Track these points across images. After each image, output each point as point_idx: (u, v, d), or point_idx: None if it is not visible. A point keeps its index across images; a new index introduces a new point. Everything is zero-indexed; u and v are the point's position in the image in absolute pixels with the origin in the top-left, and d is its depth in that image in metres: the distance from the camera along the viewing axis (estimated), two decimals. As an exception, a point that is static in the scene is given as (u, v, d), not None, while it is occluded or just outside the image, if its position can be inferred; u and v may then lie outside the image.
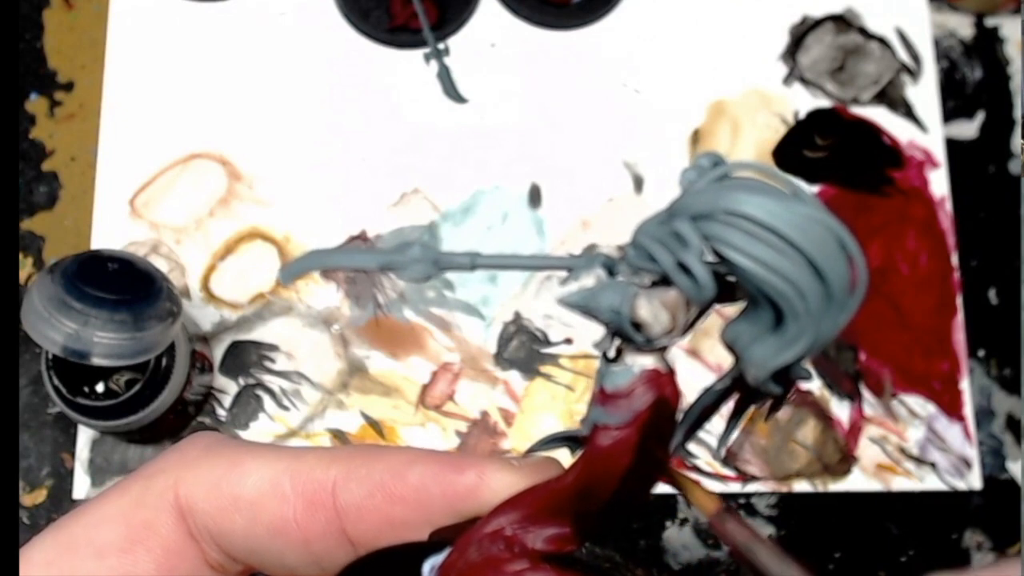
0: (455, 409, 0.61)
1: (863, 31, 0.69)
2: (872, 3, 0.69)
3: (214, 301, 0.62)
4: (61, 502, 0.59)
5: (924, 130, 0.68)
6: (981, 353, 0.65)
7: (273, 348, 0.61)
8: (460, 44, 0.67)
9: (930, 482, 0.63)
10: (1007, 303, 0.66)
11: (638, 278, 0.20)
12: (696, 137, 0.67)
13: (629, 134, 0.66)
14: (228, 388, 0.61)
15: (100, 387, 0.55)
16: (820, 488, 0.62)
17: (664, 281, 0.20)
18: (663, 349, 0.21)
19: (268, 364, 0.61)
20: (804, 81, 0.68)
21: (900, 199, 0.67)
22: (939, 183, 0.67)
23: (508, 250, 0.64)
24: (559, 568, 0.23)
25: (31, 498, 0.59)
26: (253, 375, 0.61)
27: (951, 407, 0.64)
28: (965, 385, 0.64)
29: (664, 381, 0.22)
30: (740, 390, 0.23)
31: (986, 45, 0.70)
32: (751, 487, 0.62)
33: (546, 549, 0.24)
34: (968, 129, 0.69)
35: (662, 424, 0.22)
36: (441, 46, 0.66)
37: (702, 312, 0.21)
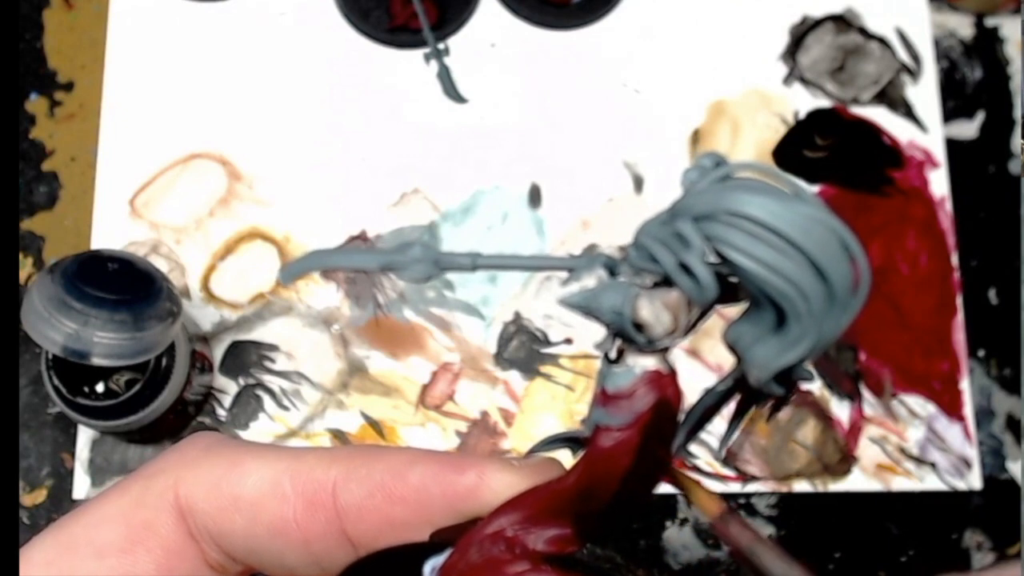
0: (455, 409, 0.61)
1: (863, 31, 0.69)
2: (872, 3, 0.69)
3: (214, 301, 0.62)
4: (61, 502, 0.59)
5: (924, 130, 0.68)
6: (981, 353, 0.65)
7: (273, 348, 0.61)
8: (460, 44, 0.67)
9: (930, 482, 0.63)
10: (1007, 303, 0.66)
11: (640, 279, 0.20)
12: (696, 137, 0.67)
13: (629, 134, 0.66)
14: (228, 388, 0.61)
15: (100, 387, 0.55)
16: (820, 488, 0.62)
17: (666, 282, 0.20)
18: (665, 350, 0.21)
19: (268, 364, 0.61)
20: (804, 81, 0.68)
21: (900, 199, 0.67)
22: (939, 183, 0.67)
23: (508, 250, 0.64)
24: (560, 569, 0.23)
25: (31, 498, 0.59)
26: (253, 375, 0.61)
27: (951, 407, 0.64)
28: (965, 385, 0.64)
29: (666, 382, 0.22)
30: (742, 391, 0.23)
31: (986, 45, 0.70)
32: (751, 487, 0.62)
33: (547, 550, 0.23)
34: (968, 129, 0.69)
35: (664, 425, 0.22)
36: (441, 46, 0.66)
37: (704, 313, 0.21)
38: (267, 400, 0.61)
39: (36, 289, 0.48)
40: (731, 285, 0.20)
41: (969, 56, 0.70)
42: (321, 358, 0.62)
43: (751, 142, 0.67)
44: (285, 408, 0.61)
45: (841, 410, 0.63)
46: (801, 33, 0.69)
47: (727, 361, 0.66)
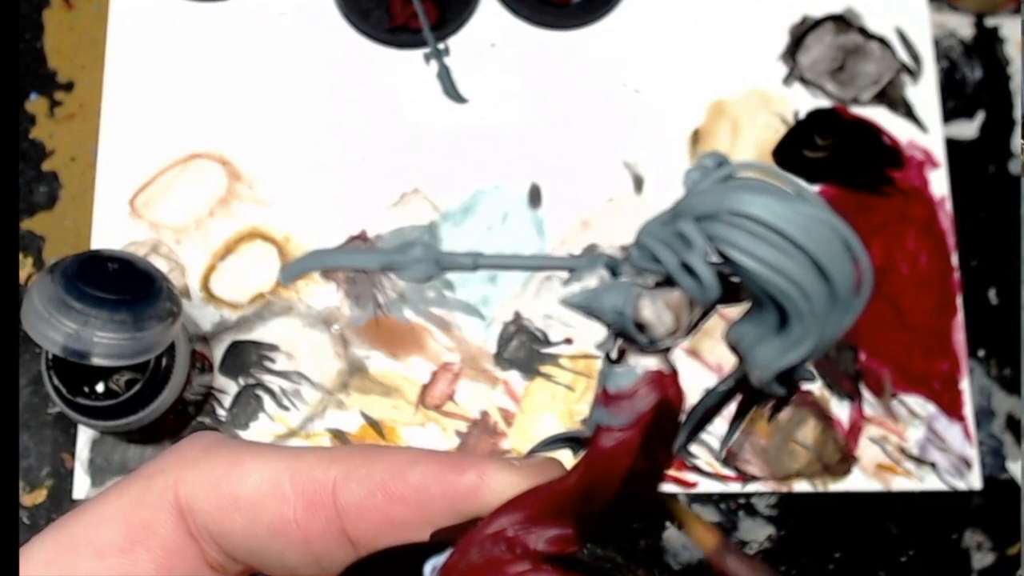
0: (455, 409, 0.61)
1: (863, 31, 0.69)
2: (872, 3, 0.69)
3: (214, 301, 0.62)
4: (61, 502, 0.59)
5: (924, 130, 0.68)
6: (981, 353, 0.65)
7: (273, 348, 0.61)
8: (460, 44, 0.67)
9: (930, 482, 0.63)
10: (1007, 303, 0.66)
11: (641, 279, 0.20)
12: (696, 137, 0.67)
13: (629, 134, 0.66)
14: (228, 388, 0.61)
15: (100, 387, 0.55)
16: (820, 488, 0.62)
17: (668, 282, 0.20)
18: (666, 350, 0.21)
19: (268, 364, 0.61)
20: (804, 81, 0.68)
21: (900, 199, 0.67)
22: (939, 183, 0.67)
23: (508, 250, 0.64)
24: (561, 569, 0.23)
25: (31, 498, 0.59)
26: (253, 375, 0.61)
27: (951, 407, 0.64)
28: (965, 385, 0.64)
29: (667, 382, 0.22)
30: (743, 391, 0.23)
31: (986, 45, 0.70)
32: (751, 487, 0.62)
33: (548, 550, 0.23)
34: (968, 129, 0.69)
35: (665, 425, 0.22)
36: (441, 46, 0.66)
37: (706, 313, 0.21)
38: (267, 400, 0.61)
39: (36, 289, 0.48)
40: (733, 285, 0.20)
41: (969, 56, 0.70)
42: (321, 358, 0.61)
43: (751, 142, 0.67)
44: (285, 408, 0.61)
45: (841, 410, 0.63)
46: (801, 33, 0.69)
47: (728, 361, 0.66)
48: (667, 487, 0.61)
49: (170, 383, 0.54)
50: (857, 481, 0.62)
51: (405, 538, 0.25)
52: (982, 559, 0.62)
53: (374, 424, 0.61)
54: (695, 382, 0.58)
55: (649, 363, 0.21)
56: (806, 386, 0.62)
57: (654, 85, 0.67)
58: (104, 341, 0.48)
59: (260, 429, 0.60)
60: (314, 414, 0.61)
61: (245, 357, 0.61)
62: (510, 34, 0.67)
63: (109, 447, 0.59)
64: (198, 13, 0.66)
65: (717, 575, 0.23)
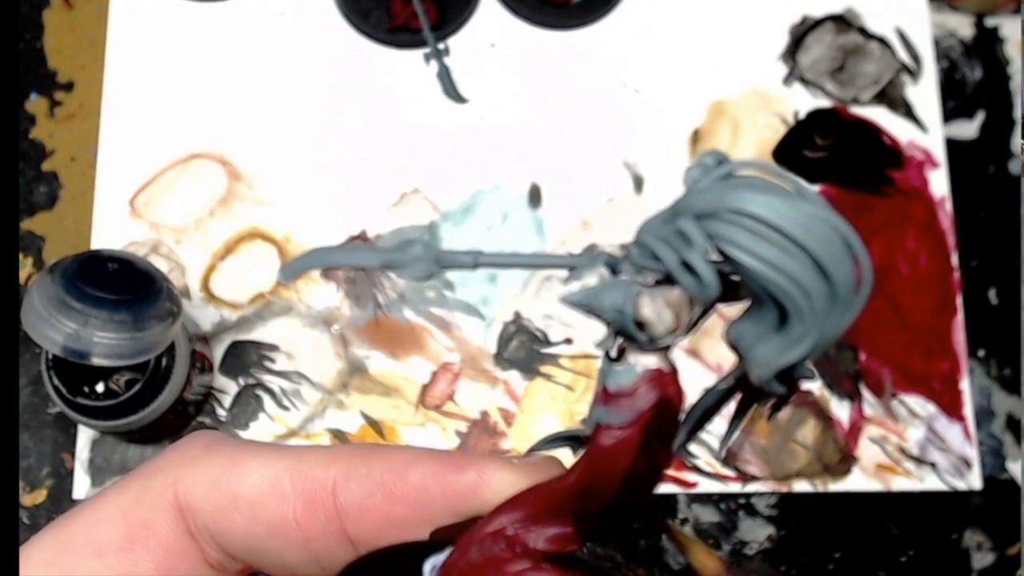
0: (455, 409, 0.61)
1: (863, 31, 0.69)
2: (872, 3, 0.69)
3: (214, 301, 0.62)
4: (61, 502, 0.59)
5: (924, 130, 0.68)
6: (981, 353, 0.65)
7: (273, 348, 0.61)
8: (460, 44, 0.67)
9: (930, 482, 0.63)
10: (1007, 303, 0.66)
11: (641, 277, 0.20)
12: (696, 137, 0.67)
13: (629, 134, 0.66)
14: (228, 388, 0.61)
15: (100, 387, 0.55)
16: (820, 488, 0.62)
17: (668, 280, 0.20)
18: (666, 348, 0.21)
19: (268, 364, 0.61)
20: (804, 81, 0.68)
21: (900, 199, 0.67)
22: (939, 183, 0.67)
23: (508, 250, 0.64)
24: (561, 568, 0.23)
25: (31, 498, 0.59)
26: (253, 375, 0.61)
27: (951, 407, 0.64)
28: (965, 385, 0.64)
29: (667, 380, 0.21)
30: (743, 390, 0.23)
31: (986, 45, 0.70)
32: (751, 487, 0.62)
33: (548, 549, 0.23)
34: (968, 129, 0.69)
35: (665, 424, 0.22)
36: (441, 46, 0.66)
37: (706, 311, 0.21)
38: (267, 400, 0.61)
39: (36, 289, 0.48)
40: (733, 283, 0.20)
41: (969, 56, 0.70)
42: (321, 358, 0.61)
43: (751, 142, 0.67)
44: (285, 408, 0.61)
45: (841, 410, 0.63)
46: (801, 33, 0.69)
47: (727, 361, 0.66)
48: (667, 487, 0.61)
49: (170, 383, 0.54)
50: (857, 481, 0.62)
51: (405, 537, 0.25)
52: (982, 559, 0.62)
53: (374, 424, 0.61)
54: (695, 381, 0.58)
55: (649, 361, 0.21)
56: (806, 385, 0.62)
57: (654, 85, 0.67)
58: (104, 341, 0.48)
59: (260, 429, 0.60)
60: (314, 414, 0.61)
61: (245, 357, 0.61)
62: (510, 34, 0.67)
63: (109, 447, 0.59)
64: (198, 13, 0.66)
65: None
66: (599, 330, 0.20)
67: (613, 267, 0.21)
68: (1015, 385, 0.65)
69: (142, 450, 0.59)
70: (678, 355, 0.22)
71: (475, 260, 0.21)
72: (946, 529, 0.63)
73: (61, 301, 0.48)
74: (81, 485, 0.59)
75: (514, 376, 0.62)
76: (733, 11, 0.69)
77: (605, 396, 0.22)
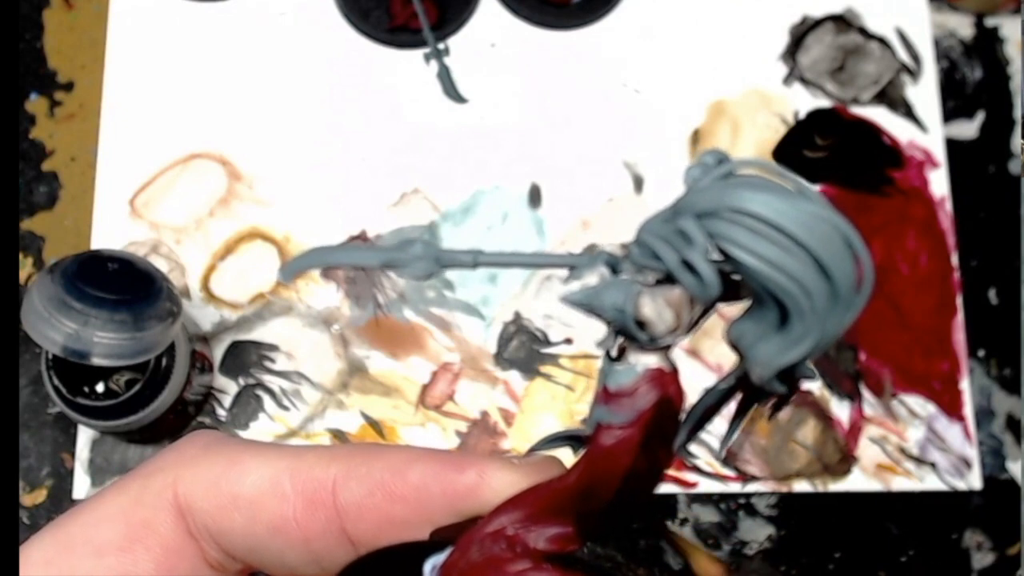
0: (455, 409, 0.61)
1: (863, 31, 0.69)
2: (872, 3, 0.69)
3: (214, 301, 0.62)
4: (61, 502, 0.59)
5: (924, 130, 0.68)
6: (981, 353, 0.65)
7: (273, 348, 0.61)
8: (460, 44, 0.67)
9: (930, 482, 0.63)
10: (1007, 303, 0.66)
11: (642, 276, 0.20)
12: (696, 137, 0.67)
13: (629, 134, 0.66)
14: (228, 388, 0.61)
15: (100, 387, 0.55)
16: (820, 488, 0.62)
17: (668, 279, 0.20)
18: (667, 348, 0.21)
19: (268, 364, 0.61)
20: (804, 81, 0.68)
21: (900, 199, 0.67)
22: (939, 183, 0.67)
23: (508, 250, 0.64)
24: (561, 568, 0.23)
25: (31, 498, 0.59)
26: (253, 375, 0.61)
27: (951, 407, 0.64)
28: (965, 385, 0.64)
29: (668, 380, 0.21)
30: (744, 389, 0.23)
31: (986, 45, 0.70)
32: (751, 487, 0.62)
33: (548, 549, 0.23)
34: (968, 129, 0.69)
35: (666, 423, 0.22)
36: (441, 46, 0.66)
37: (706, 310, 0.21)
38: (267, 400, 0.61)
39: (36, 289, 0.48)
40: (734, 283, 0.20)
41: (969, 56, 0.70)
42: (321, 358, 0.61)
43: (751, 142, 0.67)
44: (285, 408, 0.61)
45: (841, 410, 0.63)
46: (801, 33, 0.69)
47: (727, 360, 0.66)
48: (667, 487, 0.61)
49: (170, 383, 0.54)
50: (857, 481, 0.62)
51: (405, 537, 0.25)
52: (982, 559, 0.62)
53: (374, 424, 0.61)
54: (695, 381, 0.58)
55: (649, 361, 0.21)
56: (806, 385, 0.62)
57: (654, 85, 0.67)
58: (104, 341, 0.48)
59: (260, 429, 0.60)
60: (314, 414, 0.61)
61: (245, 357, 0.61)
62: (510, 34, 0.67)
63: (109, 447, 0.59)
64: (198, 13, 0.66)
65: None
66: (599, 330, 0.20)
67: (613, 266, 0.21)
68: (1015, 385, 0.65)
69: (142, 450, 0.59)
70: (678, 355, 0.22)
71: (475, 259, 0.21)
72: (946, 529, 0.63)
73: (61, 301, 0.48)
74: (81, 485, 0.59)
75: (514, 376, 0.62)
76: (733, 11, 0.69)
77: (605, 396, 0.22)
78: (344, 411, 0.61)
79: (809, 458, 0.62)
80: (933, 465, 0.63)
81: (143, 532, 0.26)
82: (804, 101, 0.68)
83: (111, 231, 0.62)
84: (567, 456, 0.25)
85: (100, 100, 0.64)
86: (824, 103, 0.68)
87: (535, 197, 0.65)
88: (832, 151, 0.67)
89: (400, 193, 0.64)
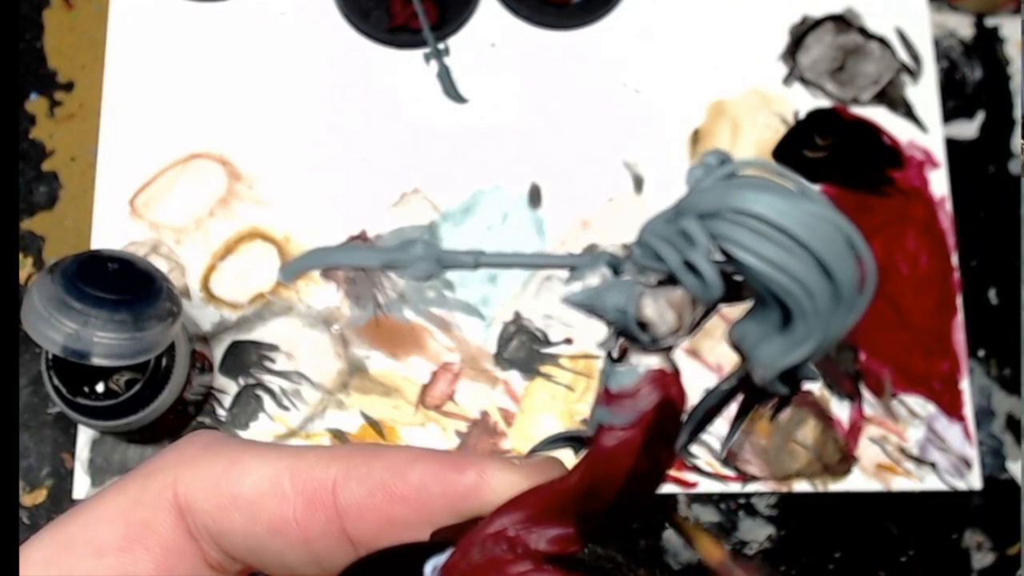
0: (455, 409, 0.61)
1: (863, 31, 0.69)
2: (872, 3, 0.69)
3: (214, 301, 0.62)
4: (61, 502, 0.59)
5: (924, 130, 0.68)
6: (981, 353, 0.65)
7: (273, 348, 0.61)
8: (460, 44, 0.67)
9: (930, 482, 0.63)
10: (1007, 303, 0.66)
11: (644, 277, 0.20)
12: (696, 137, 0.67)
13: (629, 134, 0.66)
14: (228, 388, 0.61)
15: (100, 387, 0.55)
16: (820, 488, 0.62)
17: (670, 280, 0.20)
18: (669, 349, 0.21)
19: (268, 364, 0.61)
20: (804, 81, 0.68)
21: (900, 199, 0.67)
22: (939, 183, 0.67)
23: (508, 250, 0.64)
24: (562, 569, 0.23)
25: (31, 498, 0.59)
26: (253, 375, 0.61)
27: (951, 407, 0.64)
28: (965, 385, 0.64)
29: (670, 381, 0.21)
30: (745, 390, 0.23)
31: (986, 45, 0.70)
32: (751, 487, 0.61)
33: (549, 550, 0.23)
34: (968, 129, 0.69)
35: (667, 425, 0.22)
36: (441, 46, 0.66)
37: (708, 311, 0.21)
38: (267, 400, 0.61)
39: (36, 289, 0.48)
40: (736, 283, 0.20)
41: (969, 56, 0.70)
42: (321, 358, 0.61)
43: (751, 142, 0.67)
44: (285, 408, 0.61)
45: (841, 410, 0.63)
46: (801, 33, 0.69)
47: (728, 362, 0.66)
48: (667, 487, 0.61)
49: (170, 383, 0.54)
50: (857, 481, 0.62)
51: (405, 537, 0.25)
52: (982, 559, 0.62)
53: (374, 424, 0.61)
54: (695, 382, 0.58)
55: (651, 362, 0.21)
56: (808, 385, 0.62)
57: (654, 85, 0.67)
58: (104, 341, 0.48)
59: (260, 429, 0.60)
60: (314, 414, 0.61)
61: (245, 357, 0.61)
62: (510, 34, 0.67)
63: (109, 447, 0.59)
64: (198, 13, 0.66)
65: None
66: (599, 330, 0.20)
67: (615, 267, 0.21)
68: (1015, 385, 0.65)
69: (142, 450, 0.59)
70: (678, 356, 0.22)
71: (476, 260, 0.21)
72: (946, 529, 0.63)
73: (61, 301, 0.48)
74: (81, 485, 0.59)
75: (514, 376, 0.62)
76: (733, 11, 0.69)
77: (607, 397, 0.22)
78: (344, 411, 0.61)
79: (809, 458, 0.62)
80: (933, 465, 0.63)
81: (143, 532, 0.26)
82: (804, 101, 0.68)
83: (111, 231, 0.62)
84: (568, 457, 0.25)
85: (100, 100, 0.64)
86: (824, 103, 0.68)
87: (535, 197, 0.65)
88: (832, 151, 0.67)
89: (400, 193, 0.64)
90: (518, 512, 0.24)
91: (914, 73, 0.69)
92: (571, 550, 0.24)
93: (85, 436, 0.59)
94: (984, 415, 0.64)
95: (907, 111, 0.68)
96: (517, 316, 0.63)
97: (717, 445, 0.61)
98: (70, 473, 0.59)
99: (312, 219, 0.63)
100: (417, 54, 0.66)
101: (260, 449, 0.27)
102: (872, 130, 0.67)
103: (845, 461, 0.62)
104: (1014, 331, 0.65)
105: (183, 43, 0.66)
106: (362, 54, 0.66)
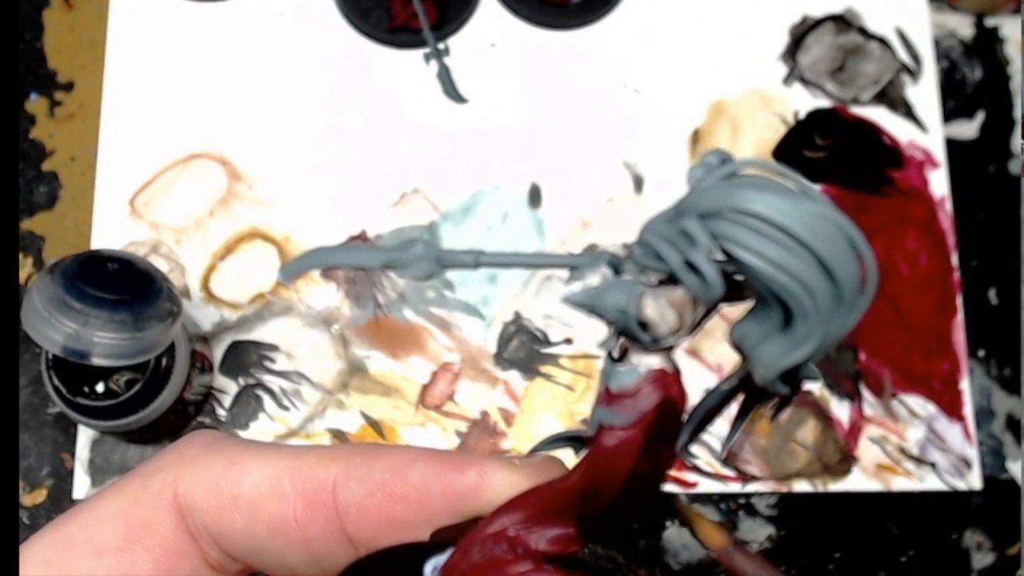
0: (455, 409, 0.61)
1: (863, 31, 0.69)
2: (872, 3, 0.69)
3: (214, 301, 0.62)
4: (61, 502, 0.58)
5: (924, 130, 0.68)
6: (981, 353, 0.65)
7: (273, 348, 0.61)
8: (460, 44, 0.67)
9: (930, 482, 0.63)
10: (1007, 303, 0.66)
11: (644, 277, 0.20)
12: (696, 137, 0.66)
13: (629, 134, 0.66)
14: (228, 388, 0.61)
15: (100, 387, 0.55)
16: (820, 488, 0.62)
17: (671, 280, 0.20)
18: (669, 349, 0.21)
19: (268, 364, 0.61)
20: (804, 81, 0.68)
21: (900, 199, 0.67)
22: (939, 183, 0.67)
23: (508, 250, 0.64)
24: (563, 569, 0.23)
25: (31, 498, 0.58)
26: (253, 375, 0.61)
27: (951, 407, 0.64)
28: (965, 385, 0.64)
29: (670, 381, 0.21)
30: (746, 390, 0.23)
31: (986, 45, 0.70)
32: (751, 487, 0.61)
33: (550, 550, 0.23)
34: (968, 129, 0.69)
35: (668, 424, 0.22)
36: (441, 46, 0.66)
37: (709, 311, 0.21)
38: (267, 400, 0.61)
39: (36, 289, 0.48)
40: (737, 283, 0.20)
41: (969, 56, 0.70)
42: (321, 358, 0.61)
43: (751, 142, 0.67)
44: (285, 408, 0.61)
45: (841, 410, 0.63)
46: (801, 33, 0.69)
47: (728, 362, 0.66)
48: (667, 487, 0.61)
49: (170, 383, 0.54)
50: (857, 481, 0.62)
51: (405, 537, 0.25)
52: (982, 559, 0.62)
53: (374, 424, 0.61)
54: (696, 382, 0.58)
55: (652, 362, 0.21)
56: (808, 385, 0.62)
57: (654, 85, 0.67)
58: (104, 341, 0.48)
59: (260, 429, 0.60)
60: (314, 414, 0.61)
61: (245, 357, 0.61)
62: (510, 34, 0.67)
63: (109, 447, 0.59)
64: (198, 13, 0.66)
65: (726, 572, 0.23)
66: (599, 330, 0.20)
67: (616, 267, 0.21)
68: (1015, 385, 0.65)
69: (142, 450, 0.59)
70: (678, 356, 0.22)
71: (476, 260, 0.21)
72: (946, 529, 0.63)
73: (61, 301, 0.48)
74: (81, 485, 0.59)
75: (514, 376, 0.62)
76: (733, 11, 0.69)
77: (608, 397, 0.22)
78: (344, 411, 0.61)
79: (809, 458, 0.62)
80: (933, 465, 0.63)
81: (142, 532, 0.26)
82: (804, 101, 0.68)
83: (111, 231, 0.62)
84: (568, 457, 0.25)
85: (100, 100, 0.64)
86: (824, 103, 0.68)
87: (535, 197, 0.65)
88: (832, 151, 0.67)
89: (400, 193, 0.64)
90: (518, 512, 0.24)
91: (914, 73, 0.69)
92: (571, 550, 0.24)
93: (85, 436, 0.59)
94: (984, 415, 0.64)
95: (907, 111, 0.68)
96: (517, 316, 0.63)
97: (717, 445, 0.61)
98: (70, 473, 0.59)
99: (312, 219, 0.63)
100: (417, 54, 0.66)
101: (260, 449, 0.27)
102: (872, 130, 0.67)
103: (845, 461, 0.62)
104: (1014, 331, 0.65)
105: (183, 43, 0.66)
106: (362, 54, 0.66)
